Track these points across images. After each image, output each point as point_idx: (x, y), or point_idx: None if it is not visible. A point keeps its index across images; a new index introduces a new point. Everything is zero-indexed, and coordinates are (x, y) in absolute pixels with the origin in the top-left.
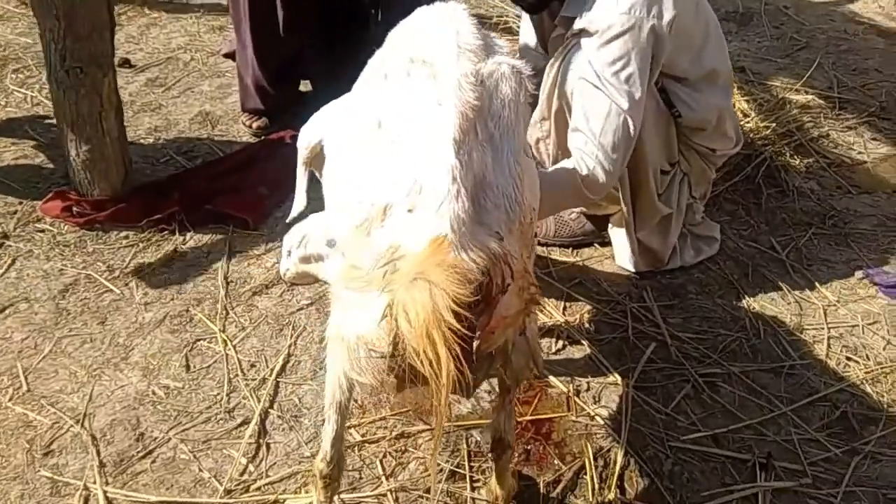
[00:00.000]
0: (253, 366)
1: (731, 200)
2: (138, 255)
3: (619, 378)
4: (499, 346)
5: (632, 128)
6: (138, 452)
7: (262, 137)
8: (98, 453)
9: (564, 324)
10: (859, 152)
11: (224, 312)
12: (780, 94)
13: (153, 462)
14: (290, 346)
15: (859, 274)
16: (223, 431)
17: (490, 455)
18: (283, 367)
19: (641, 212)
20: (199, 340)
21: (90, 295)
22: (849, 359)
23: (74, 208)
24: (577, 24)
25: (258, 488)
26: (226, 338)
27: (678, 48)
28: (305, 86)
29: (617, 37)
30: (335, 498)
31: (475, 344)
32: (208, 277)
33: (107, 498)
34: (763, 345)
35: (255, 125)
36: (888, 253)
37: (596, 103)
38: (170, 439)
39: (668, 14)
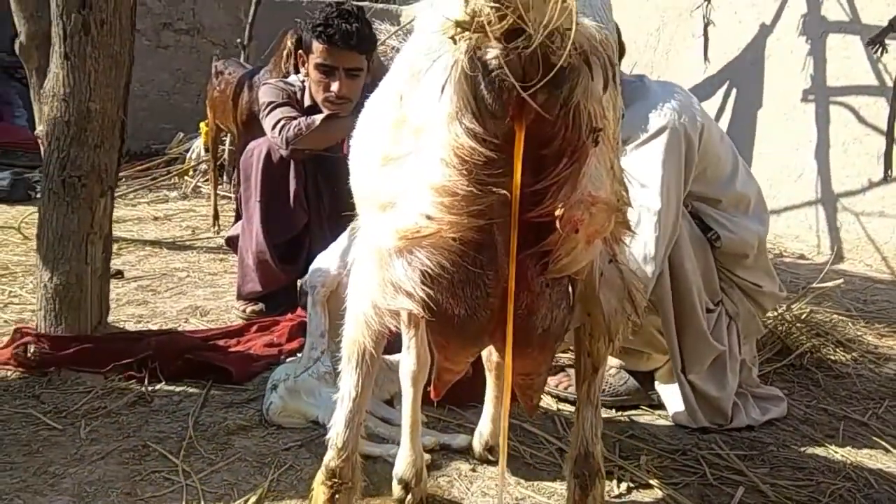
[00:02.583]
0: (220, 499)
1: (783, 378)
2: (94, 401)
3: None
4: (582, 277)
5: (666, 231)
6: None
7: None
8: None
9: (622, 467)
10: None
11: (189, 449)
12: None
13: None
14: (271, 481)
15: None
16: None
17: (568, 490)
18: (259, 501)
19: (690, 351)
20: (153, 472)
21: (23, 431)
22: None
23: (30, 347)
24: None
25: None
26: (188, 469)
27: (708, 165)
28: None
29: (652, 137)
30: None
31: (553, 241)
32: (175, 420)
33: None
34: (881, 494)
35: (249, 310)
36: None
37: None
38: None
39: (697, 122)
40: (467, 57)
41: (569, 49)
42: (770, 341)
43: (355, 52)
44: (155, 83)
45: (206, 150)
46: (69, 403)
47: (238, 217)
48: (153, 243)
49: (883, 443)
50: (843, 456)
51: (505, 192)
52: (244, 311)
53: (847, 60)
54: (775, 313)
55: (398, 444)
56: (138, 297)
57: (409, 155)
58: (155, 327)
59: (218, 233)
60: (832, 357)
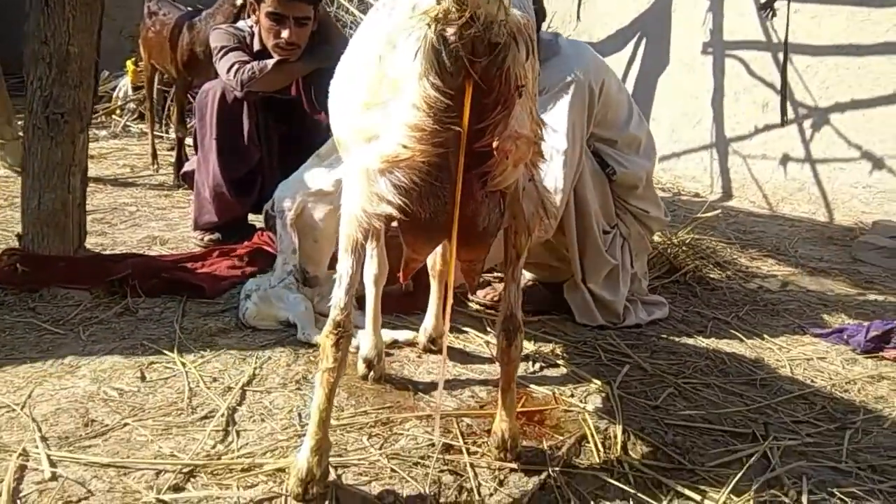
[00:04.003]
0: (216, 379)
1: (669, 292)
2: (85, 312)
3: (601, 384)
4: (510, 191)
5: (572, 167)
6: (87, 433)
7: None
8: (39, 429)
9: (537, 352)
10: (769, 271)
11: (181, 347)
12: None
13: (105, 440)
14: (255, 368)
15: (798, 331)
16: (186, 422)
17: (498, 342)
18: (249, 381)
19: (589, 264)
20: (154, 363)
21: (30, 335)
22: (814, 376)
23: (19, 266)
24: None
25: (230, 459)
26: (184, 361)
27: (608, 111)
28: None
29: (561, 90)
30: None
31: (490, 165)
32: (161, 326)
33: (49, 460)
34: (731, 368)
35: (206, 238)
36: (816, 320)
37: None
38: (125, 424)
39: (599, 77)
40: (435, 35)
41: (503, 32)
42: (660, 262)
43: (304, 3)
44: None
45: (134, 89)
46: (63, 314)
47: (179, 153)
48: (95, 180)
49: (739, 335)
50: (707, 344)
51: (458, 128)
52: (202, 239)
53: (741, 17)
54: (666, 239)
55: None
56: (96, 228)
57: (389, 101)
58: (118, 253)
59: (157, 171)
60: (711, 275)
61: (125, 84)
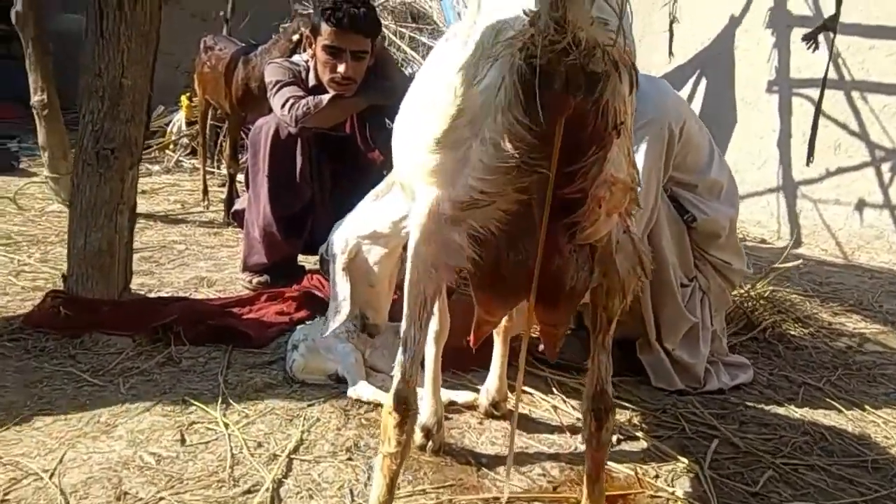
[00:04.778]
0: (260, 445)
1: (748, 350)
2: (127, 362)
3: (688, 463)
4: (602, 244)
5: (644, 214)
6: None
7: None
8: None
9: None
10: (855, 328)
11: (225, 404)
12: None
13: None
14: (303, 432)
15: None
16: (227, 497)
17: (585, 423)
18: (296, 448)
19: (666, 322)
20: (195, 423)
21: (68, 387)
22: None
23: (62, 309)
24: None
25: None
26: (227, 421)
27: (688, 153)
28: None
29: (639, 129)
30: None
31: (580, 214)
32: (205, 379)
33: None
34: (835, 446)
35: (255, 281)
36: None
37: None
38: (161, 499)
39: (680, 116)
40: (525, 63)
41: (605, 61)
42: (737, 317)
43: (361, 36)
44: None
45: (188, 124)
46: (104, 363)
47: (231, 190)
48: (146, 216)
49: (836, 404)
50: (801, 415)
51: (545, 171)
52: (250, 282)
53: (809, 55)
54: (742, 291)
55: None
56: (143, 267)
57: (466, 139)
58: (165, 294)
59: (207, 207)
60: (792, 332)
61: (179, 119)
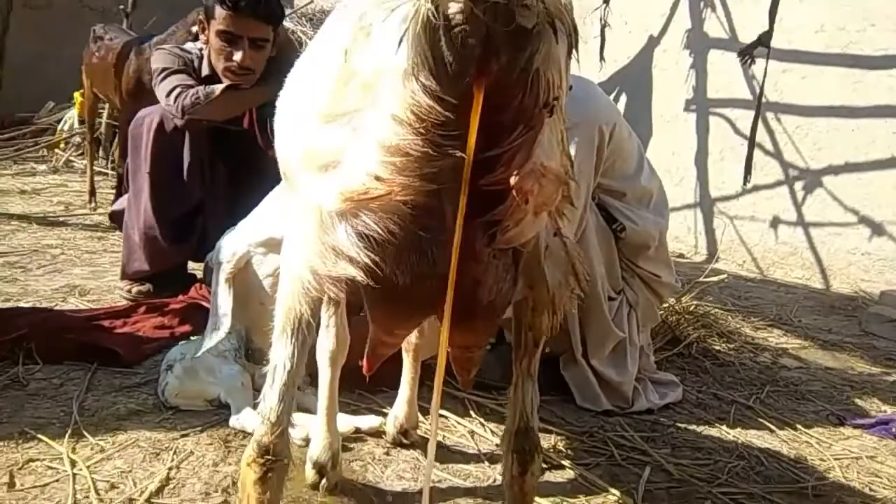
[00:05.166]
0: (114, 486)
1: (675, 366)
2: None
3: (620, 495)
4: (528, 249)
5: (574, 220)
6: None
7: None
8: None
9: None
10: (777, 343)
11: (76, 436)
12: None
13: None
14: (170, 469)
15: (834, 420)
16: None
17: (505, 465)
18: (159, 489)
19: (593, 337)
20: (33, 461)
21: None
22: (871, 482)
23: None
24: None
25: None
26: (75, 458)
27: (616, 159)
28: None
29: (567, 129)
30: None
31: (503, 211)
32: (57, 404)
33: None
34: (772, 471)
35: (135, 290)
36: (848, 405)
37: None
38: None
39: (611, 119)
40: (432, 12)
41: (537, 14)
42: (662, 331)
43: (261, 22)
44: (22, 46)
45: (81, 122)
46: None
47: (120, 191)
48: (20, 217)
49: (768, 424)
50: (734, 436)
51: (460, 154)
52: (130, 291)
53: (724, 75)
54: (666, 305)
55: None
56: (6, 273)
57: (357, 112)
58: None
59: (95, 209)
60: (717, 347)
61: (71, 116)
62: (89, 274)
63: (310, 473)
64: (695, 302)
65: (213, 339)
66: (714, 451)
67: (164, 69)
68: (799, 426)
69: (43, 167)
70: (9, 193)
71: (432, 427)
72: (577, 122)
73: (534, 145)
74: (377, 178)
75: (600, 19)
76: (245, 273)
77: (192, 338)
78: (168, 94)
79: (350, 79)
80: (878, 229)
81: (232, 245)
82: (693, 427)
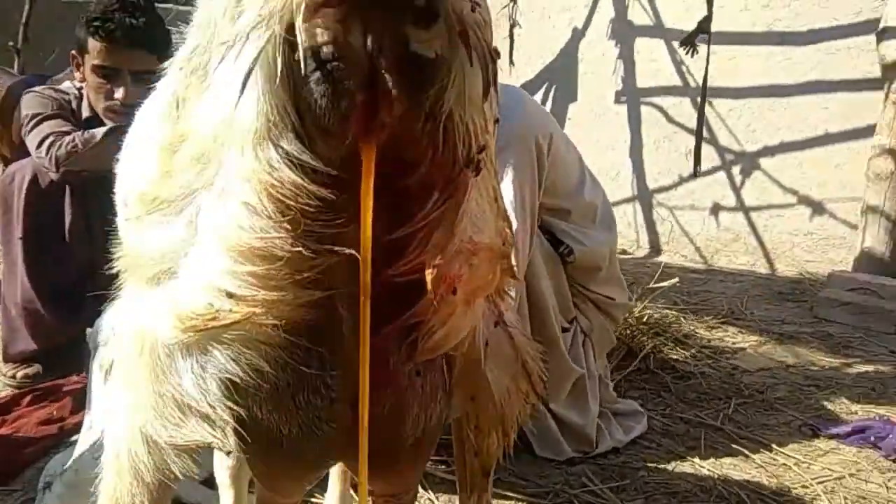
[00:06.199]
0: None
1: (635, 387)
2: None
3: None
4: (462, 350)
5: (524, 250)
6: None
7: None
8: None
9: None
10: (734, 342)
11: None
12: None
13: None
14: None
15: (808, 431)
16: None
17: None
18: None
19: (550, 378)
20: None
21: None
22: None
23: None
24: None
25: None
26: None
27: (557, 175)
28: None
29: (500, 149)
30: None
31: (423, 310)
32: None
33: None
34: None
35: (20, 374)
36: (818, 410)
37: None
38: None
39: (546, 130)
40: (285, 36)
41: (438, 36)
42: (615, 346)
43: (144, 51)
44: None
45: None
46: None
47: None
48: None
49: (742, 449)
50: (709, 470)
51: (350, 250)
52: (14, 376)
53: (654, 63)
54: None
55: None
56: None
57: (192, 195)
58: None
59: None
60: (673, 355)
61: None
62: None
63: None
64: (647, 311)
65: (87, 441)
66: (691, 494)
67: (34, 115)
68: (773, 445)
69: None
70: None
71: None
72: (509, 140)
73: (457, 218)
74: (229, 295)
75: (509, 18)
76: None
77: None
78: (39, 145)
79: (180, 145)
80: (818, 208)
81: (112, 322)
82: (664, 466)
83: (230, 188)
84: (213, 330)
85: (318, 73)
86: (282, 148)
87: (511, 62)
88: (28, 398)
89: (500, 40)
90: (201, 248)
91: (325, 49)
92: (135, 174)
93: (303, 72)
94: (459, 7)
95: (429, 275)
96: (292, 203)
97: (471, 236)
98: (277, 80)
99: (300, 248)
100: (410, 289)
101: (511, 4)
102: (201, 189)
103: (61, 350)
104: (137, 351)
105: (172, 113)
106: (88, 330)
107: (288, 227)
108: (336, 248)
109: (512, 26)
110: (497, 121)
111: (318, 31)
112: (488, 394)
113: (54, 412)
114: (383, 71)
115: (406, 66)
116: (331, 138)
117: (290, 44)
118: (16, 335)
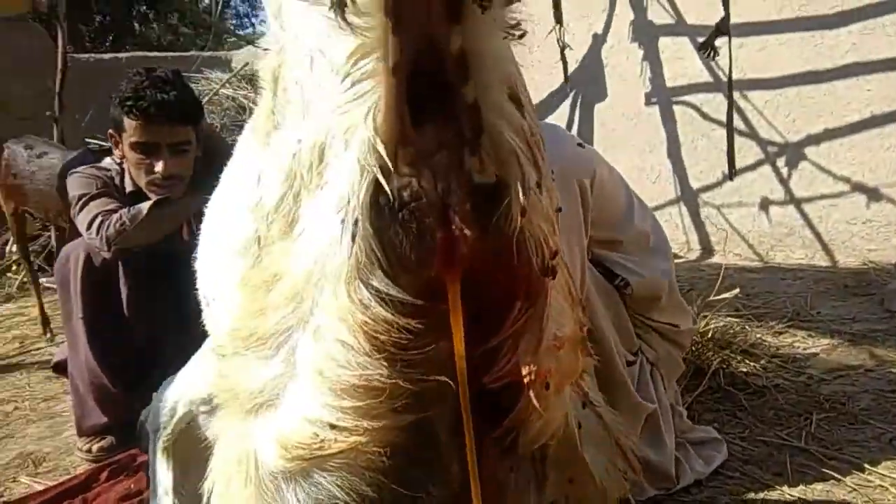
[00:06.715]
0: None
1: (708, 409)
2: None
3: None
4: (558, 436)
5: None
6: None
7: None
8: None
9: None
10: (804, 347)
11: None
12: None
13: None
14: None
15: None
16: None
17: None
18: None
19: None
20: None
21: None
22: None
23: None
24: None
25: None
26: None
27: (603, 206)
28: None
29: None
30: None
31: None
32: None
33: None
34: None
35: (95, 448)
36: None
37: None
38: None
39: (590, 166)
40: (370, 191)
41: (495, 157)
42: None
43: (178, 124)
44: None
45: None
46: None
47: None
48: None
49: (832, 473)
50: (799, 498)
51: (445, 378)
52: (89, 451)
53: (681, 61)
54: None
55: None
56: None
57: (288, 332)
58: None
59: (52, 339)
60: (743, 369)
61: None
62: (46, 431)
63: None
64: (711, 325)
65: None
66: None
67: (80, 196)
68: (865, 464)
69: None
70: None
71: None
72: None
73: (542, 321)
74: (332, 427)
75: (557, 41)
76: (186, 438)
77: None
78: (89, 226)
79: (274, 284)
80: (874, 194)
81: (169, 403)
82: (751, 496)
83: (326, 326)
84: (316, 459)
85: (400, 215)
86: (372, 286)
87: (566, 80)
88: (105, 473)
89: (552, 64)
90: (302, 383)
91: (404, 193)
92: (220, 311)
93: (387, 215)
94: (516, 124)
95: (525, 378)
96: (385, 338)
97: (555, 333)
98: (367, 223)
99: (396, 380)
100: (503, 392)
101: (557, 27)
102: (296, 326)
103: (132, 421)
104: (242, 479)
105: (252, 249)
106: (143, 412)
107: (384, 361)
108: (433, 378)
109: (563, 49)
110: (559, 209)
111: (396, 178)
112: (588, 474)
113: (132, 486)
114: (455, 207)
115: (473, 198)
116: (416, 273)
117: (375, 191)
118: (87, 410)
